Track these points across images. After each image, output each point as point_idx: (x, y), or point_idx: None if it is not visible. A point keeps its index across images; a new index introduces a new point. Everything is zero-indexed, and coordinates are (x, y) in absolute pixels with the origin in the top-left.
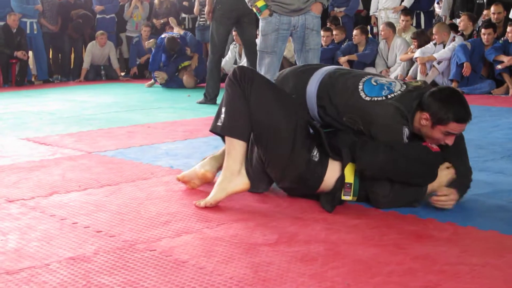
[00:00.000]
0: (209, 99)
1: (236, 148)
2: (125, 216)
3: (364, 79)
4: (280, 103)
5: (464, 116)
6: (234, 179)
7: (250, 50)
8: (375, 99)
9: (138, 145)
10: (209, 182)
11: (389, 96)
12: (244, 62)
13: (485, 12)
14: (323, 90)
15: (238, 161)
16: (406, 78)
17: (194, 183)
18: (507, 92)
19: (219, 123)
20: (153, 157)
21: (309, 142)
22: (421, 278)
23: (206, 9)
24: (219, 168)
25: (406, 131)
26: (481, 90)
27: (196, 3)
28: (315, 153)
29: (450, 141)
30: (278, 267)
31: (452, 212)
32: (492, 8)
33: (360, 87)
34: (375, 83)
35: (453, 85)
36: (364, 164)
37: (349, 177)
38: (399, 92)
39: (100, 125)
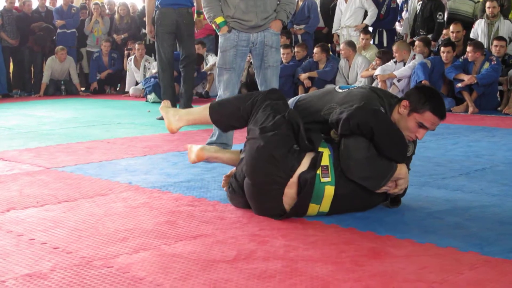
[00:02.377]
0: None
1: (200, 115)
2: (82, 232)
3: (340, 85)
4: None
5: (440, 109)
6: (175, 118)
7: (188, 64)
8: (351, 88)
9: (97, 161)
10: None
11: (363, 86)
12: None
13: (444, 31)
14: (301, 103)
15: (187, 119)
16: None
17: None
18: (466, 110)
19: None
20: (112, 173)
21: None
22: None
23: (147, 28)
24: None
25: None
26: None
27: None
28: (295, 145)
29: (421, 135)
30: (236, 284)
31: (410, 228)
32: (451, 27)
33: (336, 87)
34: (349, 84)
35: None
36: (354, 112)
37: (325, 160)
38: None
39: (59, 140)
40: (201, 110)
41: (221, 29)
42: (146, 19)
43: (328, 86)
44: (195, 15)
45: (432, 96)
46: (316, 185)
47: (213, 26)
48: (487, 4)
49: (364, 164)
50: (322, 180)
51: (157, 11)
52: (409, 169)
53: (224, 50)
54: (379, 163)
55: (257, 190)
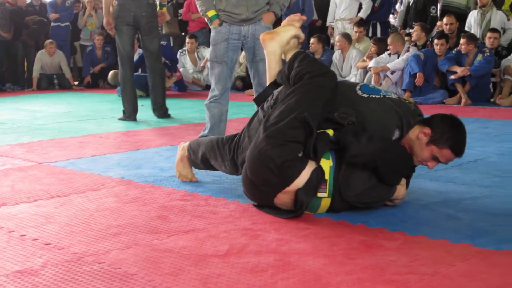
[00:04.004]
0: (128, 116)
1: (272, 69)
2: (74, 228)
3: (361, 83)
4: (326, 102)
5: (460, 149)
6: (278, 42)
7: (151, 61)
8: (373, 96)
9: (90, 156)
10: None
11: (387, 96)
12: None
13: (438, 23)
14: None
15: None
16: None
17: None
18: (459, 102)
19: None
20: (104, 167)
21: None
22: None
23: (105, 20)
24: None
25: (396, 134)
26: (434, 100)
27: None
28: (299, 154)
29: (431, 165)
30: (228, 279)
31: (402, 221)
32: (445, 19)
33: (358, 87)
34: (372, 86)
35: (406, 95)
36: (360, 150)
37: (326, 175)
38: (396, 97)
39: (52, 135)
40: (276, 66)
41: (213, 23)
42: (103, 10)
43: (349, 82)
44: (158, 7)
45: (456, 133)
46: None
47: (205, 19)
48: None
49: (364, 194)
50: (319, 195)
51: (116, 3)
52: (408, 185)
53: (216, 44)
54: (379, 190)
55: (252, 184)
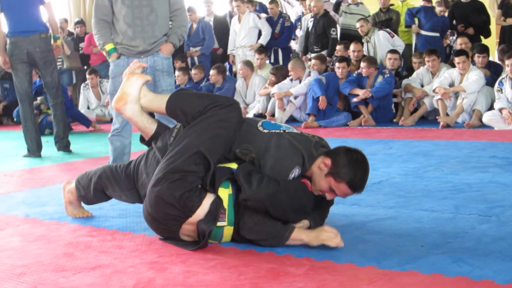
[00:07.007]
0: (32, 153)
1: (142, 126)
2: None
3: (263, 120)
4: (228, 137)
5: (357, 185)
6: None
7: (51, 94)
8: (273, 131)
9: None
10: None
11: (287, 131)
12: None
13: (338, 47)
14: None
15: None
16: (266, 114)
17: None
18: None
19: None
20: (8, 206)
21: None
22: None
23: (1, 59)
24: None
25: (296, 171)
26: (338, 123)
27: None
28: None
29: (329, 196)
30: None
31: (308, 246)
32: (352, 46)
33: (259, 123)
34: (273, 123)
35: (310, 119)
36: (249, 195)
37: (225, 204)
38: (297, 132)
39: None
40: (144, 121)
41: (111, 56)
42: None
43: (252, 118)
44: (52, 40)
45: (356, 168)
46: (213, 229)
47: (104, 53)
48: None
49: (254, 229)
50: (218, 224)
51: (8, 41)
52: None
53: (114, 76)
54: (272, 226)
55: (154, 220)
